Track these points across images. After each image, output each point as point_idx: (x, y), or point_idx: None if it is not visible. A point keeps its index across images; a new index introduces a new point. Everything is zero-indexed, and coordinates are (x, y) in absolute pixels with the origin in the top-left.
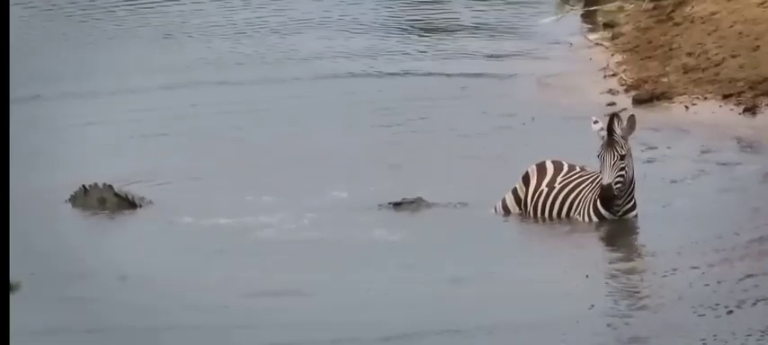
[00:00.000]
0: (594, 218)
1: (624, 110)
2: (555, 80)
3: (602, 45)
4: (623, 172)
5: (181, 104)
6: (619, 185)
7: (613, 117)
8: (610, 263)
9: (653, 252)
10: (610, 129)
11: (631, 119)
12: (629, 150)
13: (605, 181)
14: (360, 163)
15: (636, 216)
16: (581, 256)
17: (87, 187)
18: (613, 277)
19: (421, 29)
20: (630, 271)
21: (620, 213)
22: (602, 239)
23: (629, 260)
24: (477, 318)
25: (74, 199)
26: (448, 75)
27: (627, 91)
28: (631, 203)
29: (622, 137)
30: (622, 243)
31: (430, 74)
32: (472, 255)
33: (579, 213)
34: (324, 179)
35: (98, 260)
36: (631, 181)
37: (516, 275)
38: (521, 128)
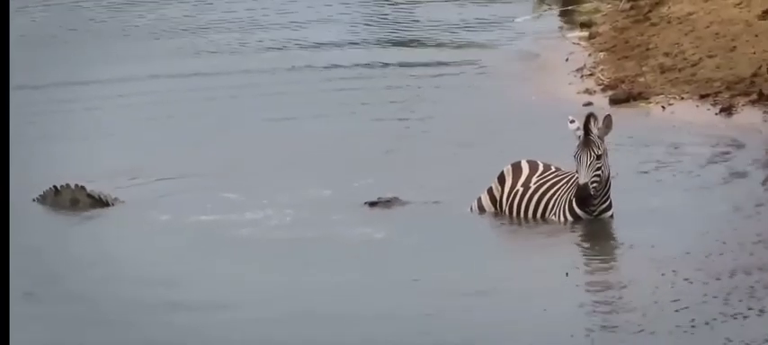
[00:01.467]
0: (570, 218)
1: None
2: (531, 79)
3: (579, 45)
4: (599, 172)
5: (157, 96)
6: (595, 185)
7: (590, 116)
8: (585, 265)
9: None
10: (586, 129)
11: (608, 118)
12: (605, 150)
13: (581, 181)
14: (333, 158)
15: (612, 216)
16: (555, 256)
17: (58, 187)
18: (590, 277)
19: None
20: (605, 271)
21: (595, 213)
22: (579, 239)
23: (605, 261)
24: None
25: (43, 199)
26: (411, 65)
27: (604, 90)
28: (607, 203)
29: (599, 136)
30: (598, 244)
31: (402, 64)
32: (445, 256)
33: (555, 213)
34: (302, 175)
35: (68, 260)
36: (607, 180)
37: (487, 274)
38: (497, 127)
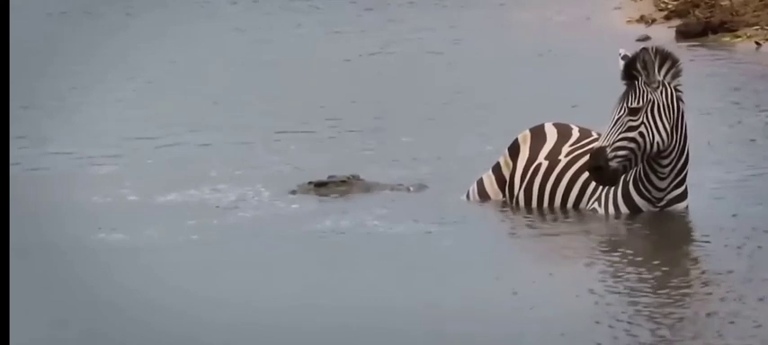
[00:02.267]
0: (624, 209)
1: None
2: (565, 6)
3: None
4: (631, 137)
5: None
6: (621, 155)
7: (640, 53)
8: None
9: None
10: (627, 71)
11: (666, 56)
12: (652, 104)
13: (597, 144)
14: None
15: (687, 207)
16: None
17: None
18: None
19: None
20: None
21: (662, 202)
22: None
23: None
24: None
25: None
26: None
27: (668, 18)
28: (681, 189)
29: (647, 83)
30: (669, 262)
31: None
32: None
33: (599, 200)
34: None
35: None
36: (649, 148)
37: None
38: (506, 72)
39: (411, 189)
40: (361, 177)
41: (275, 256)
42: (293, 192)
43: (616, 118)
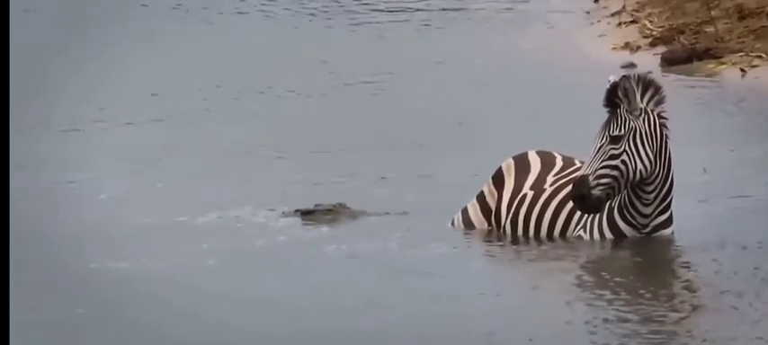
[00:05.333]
0: (609, 235)
1: (649, 73)
2: (548, 34)
3: None
4: (613, 165)
5: None
6: (603, 183)
7: (621, 81)
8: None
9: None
10: (609, 99)
11: (649, 84)
12: (634, 132)
13: (579, 173)
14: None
15: (672, 233)
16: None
17: None
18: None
19: None
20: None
21: (647, 229)
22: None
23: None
24: None
25: None
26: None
27: (653, 45)
28: (666, 215)
29: (629, 111)
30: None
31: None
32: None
33: (585, 227)
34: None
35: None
36: (632, 177)
37: None
38: (498, 101)
39: (396, 215)
40: (347, 205)
41: (292, 281)
42: (284, 214)
43: (598, 146)
